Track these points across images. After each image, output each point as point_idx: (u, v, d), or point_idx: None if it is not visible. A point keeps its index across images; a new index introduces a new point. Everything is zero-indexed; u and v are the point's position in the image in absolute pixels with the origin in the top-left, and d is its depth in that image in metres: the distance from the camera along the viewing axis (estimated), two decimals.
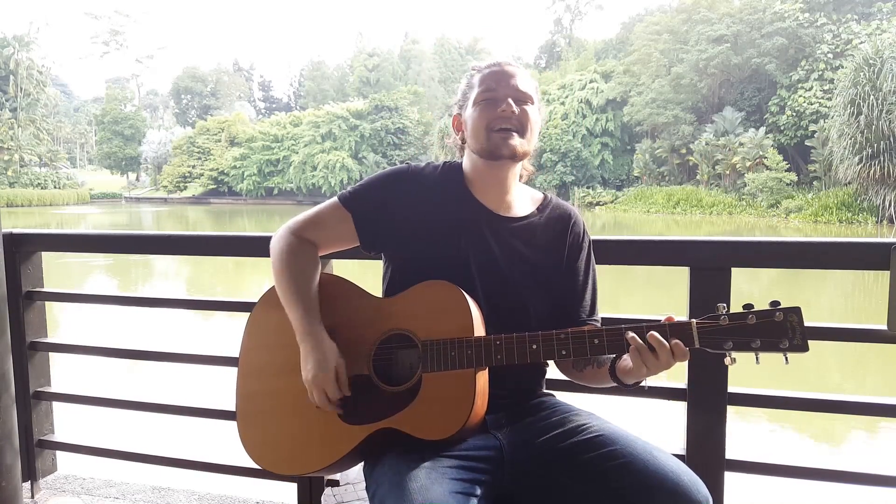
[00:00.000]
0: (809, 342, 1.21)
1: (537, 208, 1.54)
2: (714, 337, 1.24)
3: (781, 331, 1.21)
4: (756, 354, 1.23)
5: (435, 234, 1.45)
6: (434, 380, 1.33)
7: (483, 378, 1.34)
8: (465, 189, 1.50)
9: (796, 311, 1.21)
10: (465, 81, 1.53)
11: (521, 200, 1.54)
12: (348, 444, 1.37)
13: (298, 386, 1.42)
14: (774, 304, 1.22)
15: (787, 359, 1.22)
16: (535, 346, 1.31)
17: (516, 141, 1.43)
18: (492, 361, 1.32)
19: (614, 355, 1.37)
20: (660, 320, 1.30)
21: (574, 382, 1.68)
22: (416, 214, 1.47)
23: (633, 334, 1.27)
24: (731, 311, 1.25)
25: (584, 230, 1.56)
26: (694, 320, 1.26)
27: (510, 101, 1.43)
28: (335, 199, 1.53)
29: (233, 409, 1.51)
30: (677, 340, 1.26)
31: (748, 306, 1.24)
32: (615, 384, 1.40)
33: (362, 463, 1.43)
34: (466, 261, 1.44)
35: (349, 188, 1.54)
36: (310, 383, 1.38)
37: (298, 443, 1.43)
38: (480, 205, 1.49)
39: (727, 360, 1.24)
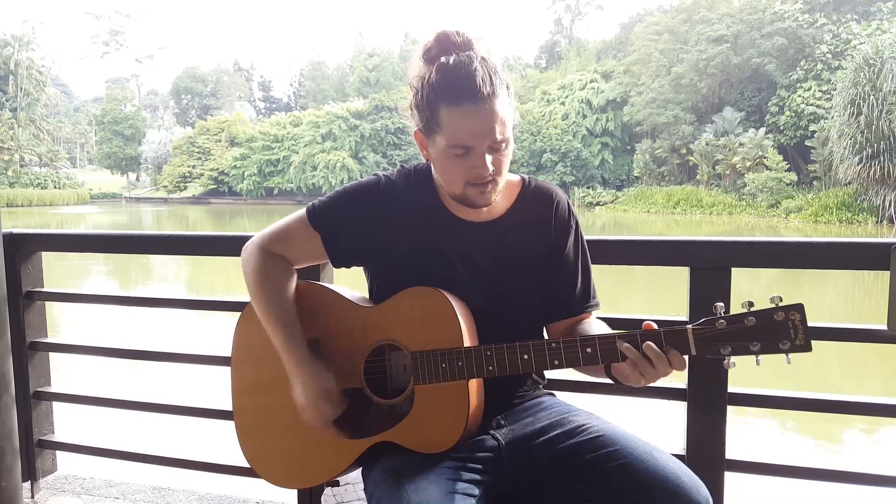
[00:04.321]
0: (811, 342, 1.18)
1: (516, 199, 1.44)
2: (711, 343, 1.20)
3: (782, 331, 1.17)
4: (756, 357, 1.19)
5: (413, 249, 1.40)
6: (427, 392, 1.32)
7: (477, 386, 1.33)
8: (436, 198, 1.42)
9: (798, 309, 1.17)
10: (426, 94, 1.29)
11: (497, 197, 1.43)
12: (347, 458, 1.37)
13: (291, 402, 1.40)
14: (775, 300, 1.17)
15: (788, 359, 1.18)
16: (526, 357, 1.29)
17: (492, 192, 1.33)
18: (483, 373, 1.30)
19: None
20: (651, 322, 1.26)
21: (574, 382, 1.68)
22: (390, 230, 1.40)
23: (628, 345, 1.23)
24: (729, 314, 1.20)
25: (568, 210, 1.47)
26: (689, 326, 1.21)
27: (486, 157, 1.27)
28: (303, 213, 1.43)
29: (232, 409, 1.51)
30: (674, 350, 1.21)
31: (749, 304, 1.19)
32: (611, 381, 1.37)
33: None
34: (449, 272, 1.39)
35: (318, 201, 1.44)
36: (301, 408, 1.37)
37: (297, 459, 1.43)
38: (453, 215, 1.41)
39: (726, 364, 1.20)
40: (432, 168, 1.42)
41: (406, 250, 1.40)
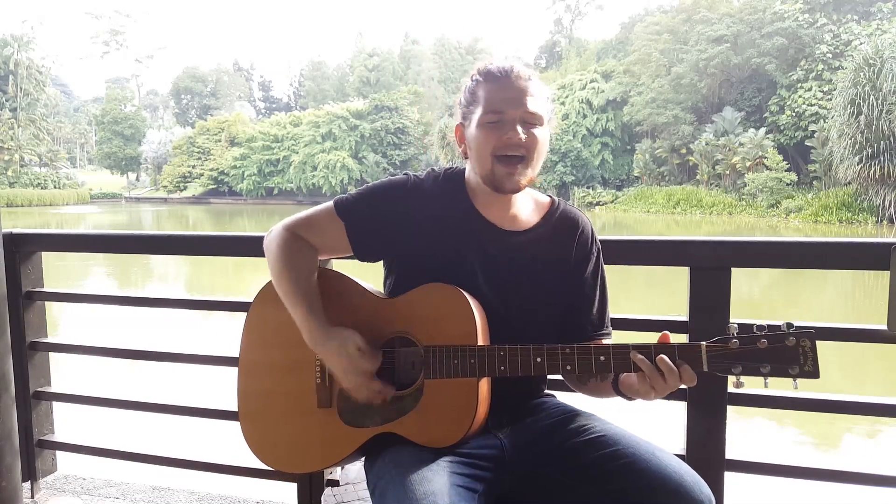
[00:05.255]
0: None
1: (543, 216, 1.48)
2: (723, 361, 1.22)
3: (793, 356, 1.19)
4: (765, 379, 1.21)
5: (436, 250, 1.41)
6: (436, 386, 1.32)
7: (486, 385, 1.34)
8: (467, 202, 1.45)
9: (809, 336, 1.19)
10: (469, 86, 1.42)
11: (527, 210, 1.48)
12: (349, 446, 1.37)
13: (299, 385, 1.41)
14: (789, 325, 1.20)
15: (795, 384, 1.20)
16: (539, 360, 1.30)
17: (521, 174, 1.36)
18: (495, 372, 1.30)
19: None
20: (667, 333, 1.28)
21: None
22: (415, 229, 1.42)
23: (642, 356, 1.24)
24: (742, 334, 1.22)
25: (592, 238, 1.50)
26: (703, 343, 1.23)
27: (518, 127, 1.34)
28: (331, 204, 1.47)
29: (233, 409, 1.51)
30: (686, 365, 1.23)
31: (761, 328, 1.21)
32: (618, 397, 1.38)
33: (363, 459, 1.43)
34: (470, 276, 1.40)
35: (348, 194, 1.48)
36: (341, 373, 1.34)
37: (299, 443, 1.43)
38: (484, 219, 1.43)
39: (735, 383, 1.22)
40: (466, 168, 1.46)
41: (428, 250, 1.42)
